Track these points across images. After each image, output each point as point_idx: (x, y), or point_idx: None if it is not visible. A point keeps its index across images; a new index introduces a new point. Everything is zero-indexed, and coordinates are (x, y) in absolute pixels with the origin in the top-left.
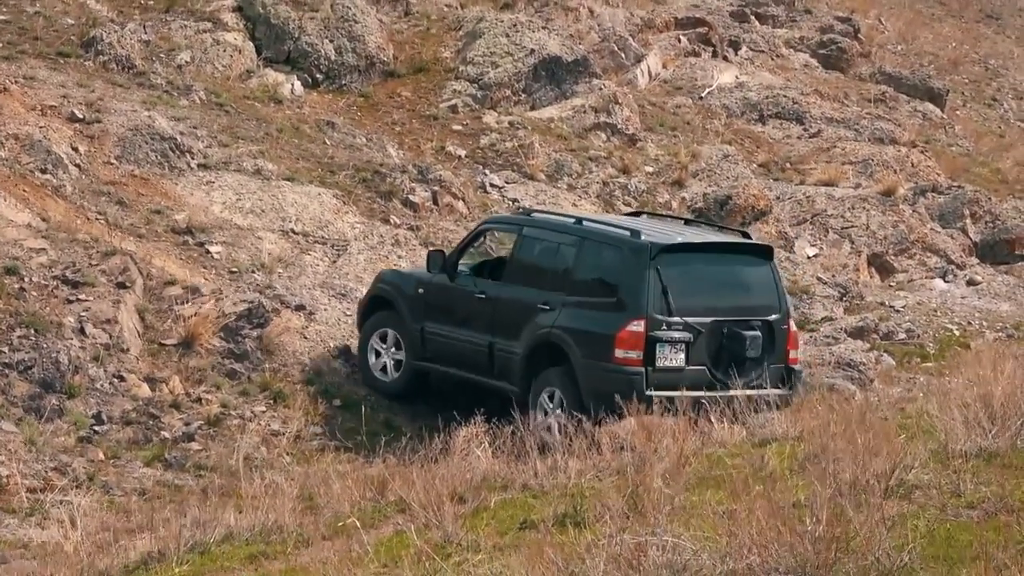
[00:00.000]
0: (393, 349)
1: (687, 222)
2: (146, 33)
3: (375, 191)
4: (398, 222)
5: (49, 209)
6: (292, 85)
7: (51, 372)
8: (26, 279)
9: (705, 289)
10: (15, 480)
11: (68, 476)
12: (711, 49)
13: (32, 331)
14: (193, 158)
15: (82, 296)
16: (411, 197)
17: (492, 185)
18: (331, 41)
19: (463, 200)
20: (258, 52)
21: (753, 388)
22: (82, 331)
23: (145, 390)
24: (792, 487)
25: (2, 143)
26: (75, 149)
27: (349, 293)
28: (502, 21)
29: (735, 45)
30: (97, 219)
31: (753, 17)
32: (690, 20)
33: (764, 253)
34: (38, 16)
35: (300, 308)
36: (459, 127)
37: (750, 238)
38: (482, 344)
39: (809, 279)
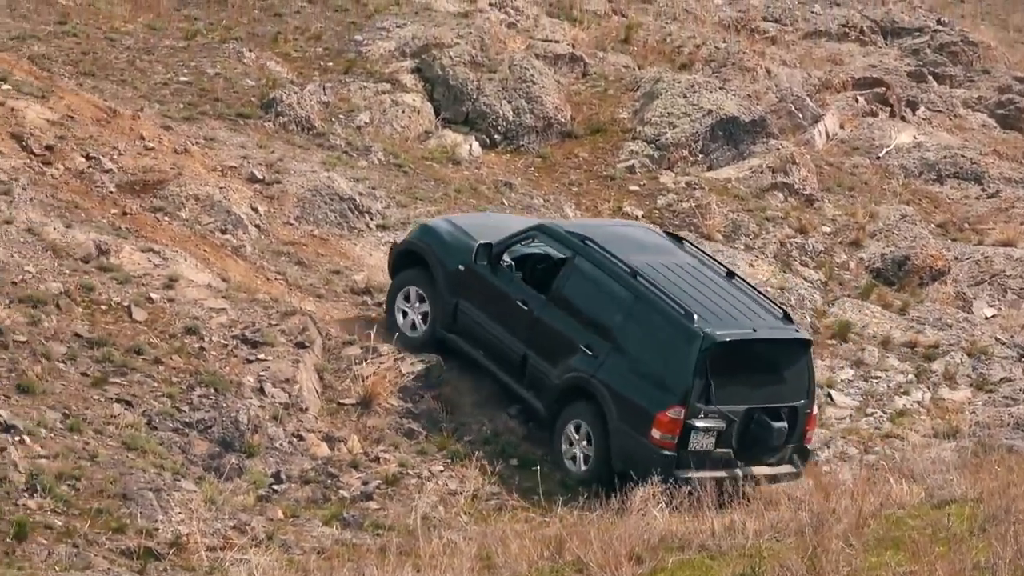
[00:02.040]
0: (418, 304)
1: (729, 274)
2: (325, 94)
3: None
4: None
5: (229, 269)
6: (470, 146)
7: (231, 431)
8: (207, 339)
9: (744, 378)
10: (195, 538)
11: (247, 535)
12: (889, 109)
13: (212, 390)
14: (372, 218)
15: (262, 356)
16: None
17: None
18: (509, 102)
19: None
20: (436, 113)
21: (771, 466)
22: (261, 390)
23: (324, 449)
24: (972, 549)
25: (183, 204)
26: (255, 209)
27: None
28: (679, 82)
29: (913, 105)
30: (276, 279)
31: (931, 77)
32: (868, 80)
33: (804, 345)
34: (219, 77)
35: (477, 367)
36: (636, 187)
37: (791, 318)
38: (516, 351)
39: (987, 340)
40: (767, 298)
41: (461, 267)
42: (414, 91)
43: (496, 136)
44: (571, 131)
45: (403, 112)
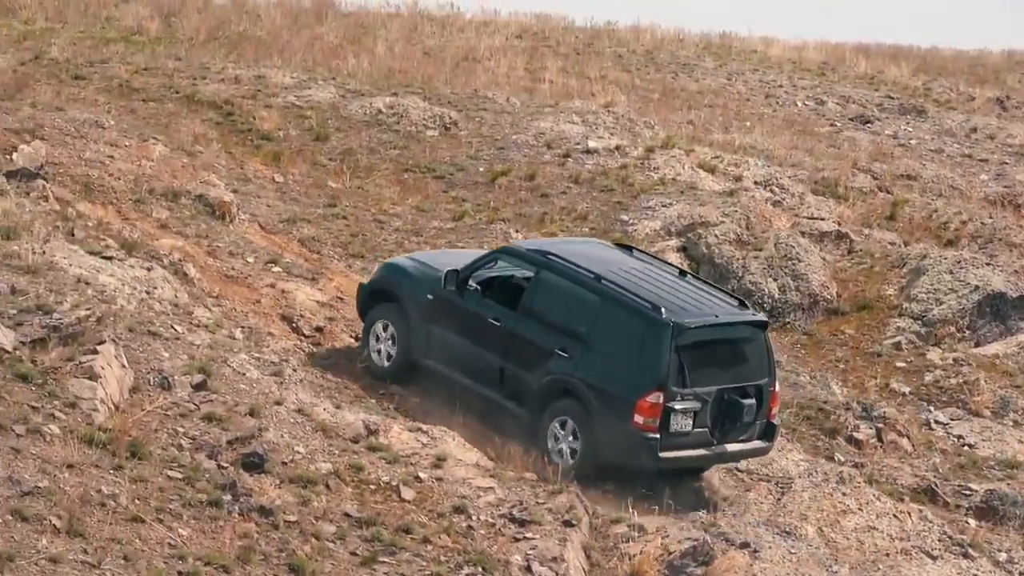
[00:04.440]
0: (387, 337)
1: (681, 273)
2: None
3: (819, 428)
4: (842, 459)
5: (495, 449)
6: None
7: None
8: (474, 518)
9: (713, 360)
10: None
11: None
12: None
13: (480, 569)
14: None
15: (529, 534)
16: (855, 434)
17: (937, 422)
18: (775, 280)
19: (907, 437)
20: None
21: (742, 443)
22: (529, 569)
23: None
24: None
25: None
26: None
27: (794, 531)
28: (946, 258)
29: None
30: (543, 459)
31: None
32: None
33: (761, 326)
34: None
35: (744, 546)
36: (903, 364)
37: (747, 305)
38: (493, 365)
39: None
40: (721, 290)
41: (430, 296)
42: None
43: (762, 313)
44: (837, 308)
45: None
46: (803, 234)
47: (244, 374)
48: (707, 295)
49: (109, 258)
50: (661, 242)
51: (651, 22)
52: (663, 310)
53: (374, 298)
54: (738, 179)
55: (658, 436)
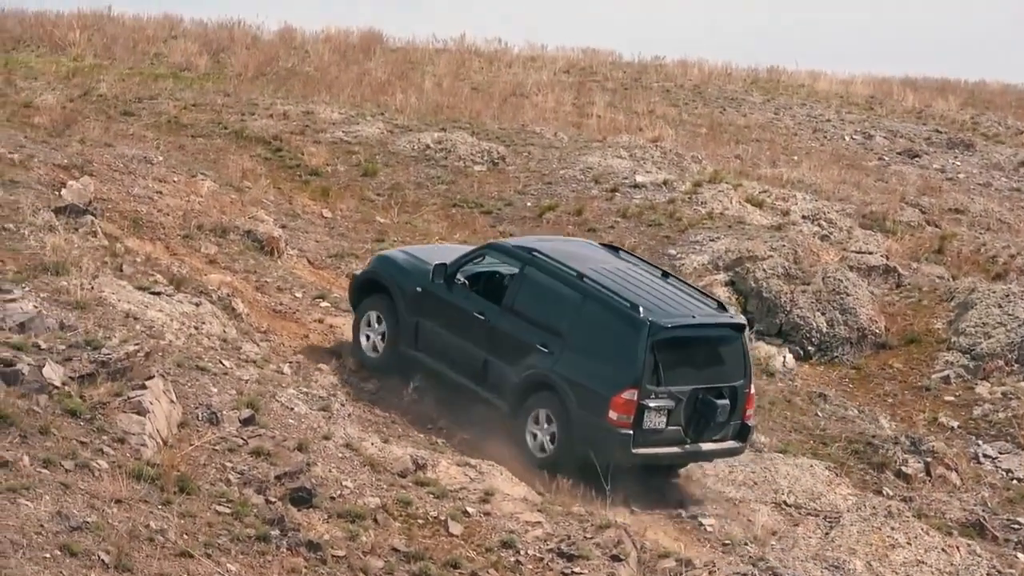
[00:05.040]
0: (377, 327)
1: (664, 274)
2: None
3: (867, 462)
4: (891, 493)
5: (543, 484)
6: (784, 357)
7: None
8: (522, 552)
9: (688, 360)
10: None
11: None
12: None
13: None
14: None
15: (577, 569)
16: (904, 468)
17: (985, 456)
18: (823, 314)
19: (956, 471)
20: (750, 325)
21: (716, 442)
22: None
23: None
24: None
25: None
26: None
27: (842, 565)
28: (994, 291)
29: None
30: (591, 492)
31: None
32: None
33: (739, 328)
34: None
35: None
36: (951, 398)
37: (726, 308)
38: (477, 358)
39: None
40: (701, 291)
41: (419, 289)
42: (728, 303)
43: (810, 348)
44: (885, 342)
45: None
46: (851, 268)
47: (292, 409)
48: (687, 297)
49: (157, 293)
50: (709, 276)
51: (699, 57)
52: (641, 309)
53: (365, 289)
54: (786, 213)
55: (631, 432)
